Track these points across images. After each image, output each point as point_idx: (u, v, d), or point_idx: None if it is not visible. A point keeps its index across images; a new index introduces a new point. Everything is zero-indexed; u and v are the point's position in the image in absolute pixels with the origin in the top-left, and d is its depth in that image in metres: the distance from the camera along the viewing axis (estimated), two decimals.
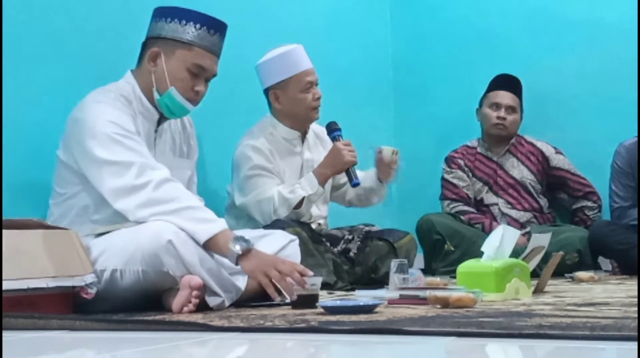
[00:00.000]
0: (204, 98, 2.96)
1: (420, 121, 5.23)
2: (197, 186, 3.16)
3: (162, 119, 2.96)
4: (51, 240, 2.53)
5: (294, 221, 3.53)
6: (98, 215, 2.79)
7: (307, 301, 2.56)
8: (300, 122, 3.77)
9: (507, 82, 4.71)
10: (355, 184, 3.64)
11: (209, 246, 2.62)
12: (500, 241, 2.87)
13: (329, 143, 3.72)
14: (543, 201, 4.72)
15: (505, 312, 2.27)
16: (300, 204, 3.57)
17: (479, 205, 4.72)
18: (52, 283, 2.45)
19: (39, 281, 2.43)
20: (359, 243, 3.82)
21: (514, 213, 4.65)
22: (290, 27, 4.39)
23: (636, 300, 2.57)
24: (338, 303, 2.47)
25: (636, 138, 4.24)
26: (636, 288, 3.08)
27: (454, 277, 3.00)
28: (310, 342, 1.93)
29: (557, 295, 2.92)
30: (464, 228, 4.49)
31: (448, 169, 4.80)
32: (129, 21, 3.45)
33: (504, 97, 4.68)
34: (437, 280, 3.22)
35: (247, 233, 2.82)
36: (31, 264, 2.44)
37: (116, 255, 2.59)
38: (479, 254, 2.94)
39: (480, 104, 4.78)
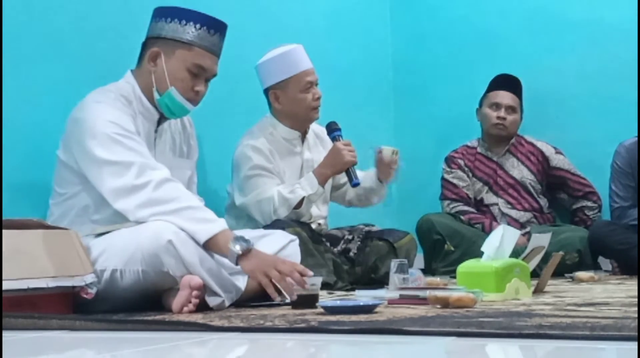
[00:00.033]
0: (204, 98, 2.96)
1: (420, 121, 5.23)
2: (197, 186, 3.16)
3: (162, 119, 2.96)
4: (51, 240, 2.53)
5: (294, 221, 3.53)
6: (98, 215, 2.79)
7: (307, 301, 2.56)
8: (300, 122, 3.77)
9: (507, 82, 4.71)
10: (355, 184, 3.64)
11: (209, 246, 2.62)
12: (500, 241, 2.87)
13: (329, 143, 3.72)
14: (543, 201, 4.72)
15: (505, 312, 2.27)
16: (300, 204, 3.57)
17: (479, 205, 4.72)
18: (52, 283, 2.45)
19: (39, 281, 2.43)
20: (359, 243, 3.82)
21: (514, 213, 4.65)
22: (290, 27, 4.39)
23: (636, 300, 2.57)
24: (338, 303, 2.47)
25: (636, 138, 4.24)
26: (636, 288, 3.08)
27: (454, 277, 3.00)
28: (310, 342, 1.93)
29: (557, 295, 2.92)
30: (464, 228, 4.49)
31: (448, 169, 4.80)
32: (129, 21, 3.45)
33: (504, 97, 4.68)
34: (437, 280, 3.22)
35: (247, 233, 2.82)
36: (31, 264, 2.44)
37: (116, 255, 2.59)
38: (479, 254, 2.94)
39: (480, 104, 4.78)
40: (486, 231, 4.32)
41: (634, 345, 1.61)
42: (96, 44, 3.40)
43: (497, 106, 4.68)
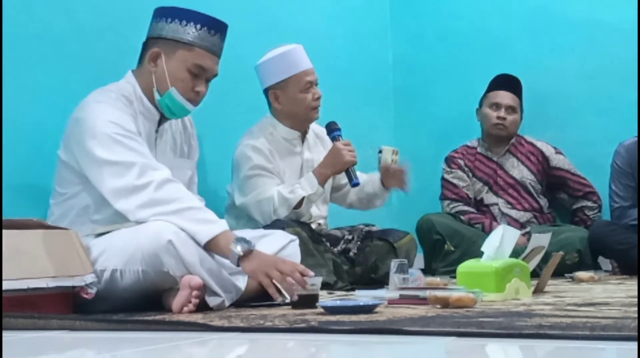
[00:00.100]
0: (204, 98, 2.96)
1: (420, 121, 5.24)
2: (197, 186, 3.16)
3: (163, 119, 2.96)
4: (51, 240, 2.53)
5: (294, 221, 3.54)
6: (98, 215, 2.79)
7: (307, 301, 2.56)
8: (300, 122, 3.77)
9: (507, 82, 4.71)
10: (355, 184, 3.64)
11: (210, 247, 2.62)
12: (500, 241, 2.87)
13: (329, 143, 3.72)
14: (543, 201, 4.72)
15: (505, 312, 2.27)
16: (300, 204, 3.57)
17: (479, 205, 4.72)
18: (52, 283, 2.45)
19: (39, 281, 2.43)
20: (359, 243, 3.82)
21: (514, 213, 4.66)
22: (290, 27, 4.39)
23: (636, 300, 2.57)
24: (338, 303, 2.47)
25: (636, 138, 4.24)
26: (636, 288, 3.08)
27: (454, 277, 3.00)
28: (310, 342, 1.93)
29: (557, 295, 2.92)
30: (464, 228, 4.50)
31: (448, 169, 4.80)
32: (129, 21, 3.45)
33: (504, 97, 4.68)
34: (437, 280, 3.22)
35: (248, 233, 2.83)
36: (31, 264, 2.44)
37: (116, 255, 2.59)
38: (479, 254, 2.94)
39: (480, 104, 4.78)
40: (486, 231, 4.32)
41: (634, 345, 1.61)
42: (96, 44, 3.40)
43: (497, 106, 4.68)
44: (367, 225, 3.92)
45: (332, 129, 3.69)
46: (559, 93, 4.89)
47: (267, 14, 4.31)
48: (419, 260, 4.30)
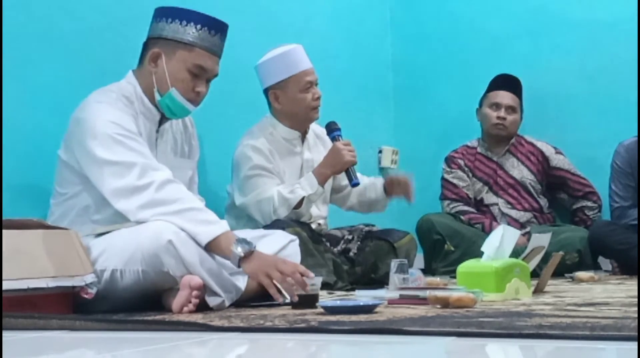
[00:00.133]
0: (205, 98, 2.96)
1: (420, 121, 5.24)
2: (198, 186, 3.16)
3: (163, 119, 2.96)
4: (51, 240, 2.53)
5: (294, 221, 3.53)
6: (99, 215, 2.79)
7: (307, 301, 2.56)
8: (300, 122, 3.77)
9: (507, 82, 4.71)
10: (355, 184, 3.64)
11: (211, 248, 2.62)
12: (500, 241, 2.87)
13: (329, 143, 3.72)
14: (543, 201, 4.72)
15: (505, 312, 2.27)
16: (300, 204, 3.57)
17: (479, 205, 4.72)
18: (52, 283, 2.45)
19: (39, 281, 2.43)
20: (359, 243, 3.82)
21: (514, 213, 4.66)
22: (290, 27, 4.39)
23: (636, 300, 2.57)
24: (338, 303, 2.47)
25: (635, 138, 4.24)
26: (636, 288, 3.08)
27: (454, 277, 3.00)
28: (310, 342, 1.93)
29: (557, 295, 2.92)
30: (464, 228, 4.50)
31: (448, 169, 4.80)
32: (129, 21, 3.45)
33: (504, 97, 4.68)
34: (437, 280, 3.22)
35: (248, 234, 2.82)
36: (31, 264, 2.44)
37: (116, 255, 2.59)
38: (479, 254, 2.94)
39: (480, 104, 4.78)
40: (486, 231, 4.32)
41: (634, 345, 1.61)
42: (96, 44, 3.40)
43: (497, 106, 4.68)
44: (367, 225, 3.92)
45: (332, 129, 3.69)
46: (559, 93, 4.89)
47: (267, 14, 4.31)
48: (419, 260, 4.30)
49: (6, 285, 2.34)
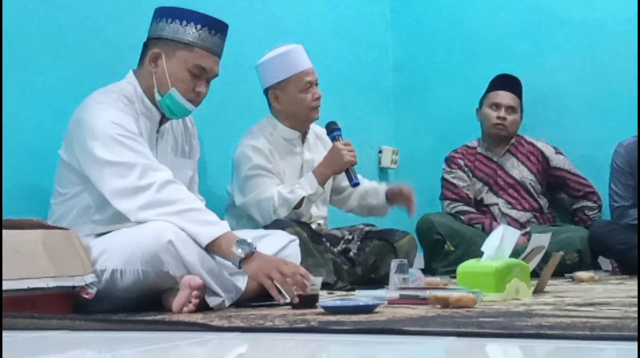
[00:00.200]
0: (205, 98, 2.96)
1: (420, 121, 5.24)
2: (198, 186, 3.16)
3: (164, 119, 2.96)
4: (51, 240, 2.53)
5: (294, 221, 3.53)
6: (99, 215, 2.79)
7: (307, 301, 2.56)
8: (300, 122, 3.77)
9: (507, 82, 4.71)
10: (355, 184, 3.64)
11: (212, 249, 2.62)
12: (500, 241, 2.87)
13: (329, 143, 3.72)
14: (543, 201, 4.72)
15: (505, 312, 2.27)
16: (300, 204, 3.57)
17: (479, 205, 4.72)
18: (52, 283, 2.45)
19: (39, 281, 2.43)
20: (359, 243, 3.82)
21: (514, 213, 4.66)
22: (290, 27, 4.39)
23: (636, 300, 2.57)
24: (338, 303, 2.47)
25: (635, 137, 4.24)
26: (636, 288, 3.08)
27: (454, 277, 3.00)
28: (310, 342, 1.93)
29: (557, 295, 2.92)
30: (464, 228, 4.50)
31: (448, 169, 4.80)
32: (129, 21, 3.45)
33: (504, 97, 4.68)
34: (437, 280, 3.22)
35: (248, 234, 2.82)
36: (31, 264, 2.44)
37: (116, 255, 2.59)
38: (479, 254, 2.94)
39: (480, 104, 4.78)
40: (486, 231, 4.32)
41: (634, 345, 1.61)
42: (96, 44, 3.40)
43: (497, 106, 4.68)
44: (367, 225, 3.92)
45: (332, 129, 3.69)
46: (559, 93, 4.89)
47: (267, 14, 4.31)
48: (419, 260, 4.30)
49: (6, 285, 2.34)
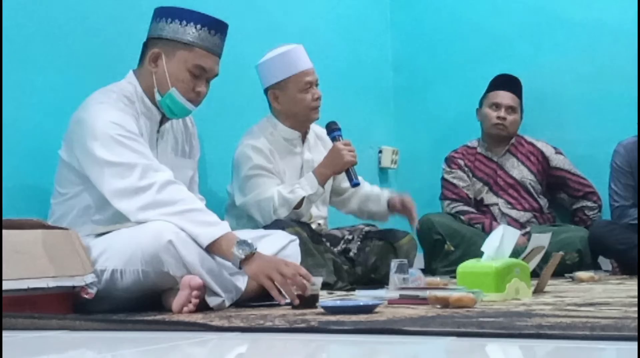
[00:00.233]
0: (205, 98, 2.96)
1: (420, 121, 5.24)
2: (198, 186, 3.16)
3: (164, 119, 2.96)
4: (51, 240, 2.53)
5: (294, 221, 3.53)
6: (99, 215, 2.79)
7: (307, 301, 2.56)
8: (300, 123, 3.77)
9: (507, 82, 4.71)
10: (355, 185, 3.64)
11: (212, 249, 2.62)
12: (500, 241, 2.87)
13: (329, 143, 3.72)
14: (543, 201, 4.72)
15: (505, 312, 2.27)
16: (300, 204, 3.57)
17: (479, 205, 4.72)
18: (52, 283, 2.45)
19: (39, 281, 2.43)
20: (359, 243, 3.82)
21: (514, 213, 4.66)
22: (290, 27, 4.39)
23: (636, 300, 2.57)
24: (338, 303, 2.47)
25: (635, 137, 4.24)
26: (636, 288, 3.08)
27: (454, 277, 3.00)
28: (310, 342, 1.93)
29: (557, 295, 2.92)
30: (464, 228, 4.50)
31: (448, 169, 4.80)
32: (129, 21, 3.45)
33: (504, 97, 4.69)
34: (437, 280, 3.22)
35: (248, 234, 2.82)
36: (31, 264, 2.44)
37: (116, 255, 2.59)
38: (479, 254, 2.94)
39: (480, 104, 4.78)
40: (486, 231, 4.32)
41: (634, 345, 1.61)
42: (96, 44, 3.39)
43: (497, 106, 4.69)
44: (367, 225, 3.92)
45: (332, 129, 3.69)
46: (559, 93, 4.90)
47: (267, 14, 4.31)
48: (419, 260, 4.30)
49: (6, 285, 2.34)
